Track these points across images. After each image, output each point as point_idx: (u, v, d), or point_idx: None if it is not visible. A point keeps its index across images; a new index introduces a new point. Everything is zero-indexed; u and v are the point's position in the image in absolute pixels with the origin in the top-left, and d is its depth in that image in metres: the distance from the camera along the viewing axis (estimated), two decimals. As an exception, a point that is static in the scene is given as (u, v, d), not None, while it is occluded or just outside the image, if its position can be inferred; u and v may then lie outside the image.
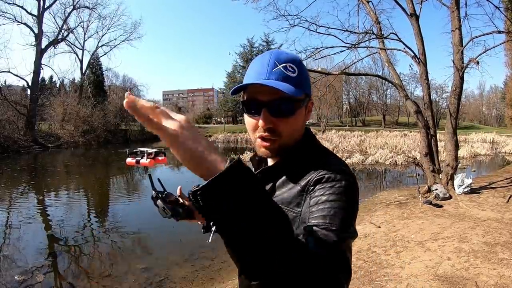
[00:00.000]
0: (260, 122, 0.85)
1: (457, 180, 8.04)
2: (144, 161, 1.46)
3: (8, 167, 16.38)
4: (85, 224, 7.37)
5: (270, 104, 0.84)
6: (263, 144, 0.88)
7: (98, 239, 6.40)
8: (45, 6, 31.53)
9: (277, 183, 0.91)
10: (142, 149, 1.56)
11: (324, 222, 0.72)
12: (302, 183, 0.84)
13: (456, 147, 8.36)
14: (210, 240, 0.73)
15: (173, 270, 4.80)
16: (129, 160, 1.60)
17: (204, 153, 0.58)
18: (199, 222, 1.26)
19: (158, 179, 1.22)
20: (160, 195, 1.16)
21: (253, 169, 1.03)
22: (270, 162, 0.99)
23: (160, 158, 1.53)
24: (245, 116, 0.92)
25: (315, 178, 0.81)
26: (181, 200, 1.22)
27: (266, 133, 0.86)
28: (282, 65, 0.84)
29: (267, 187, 0.92)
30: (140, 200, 9.84)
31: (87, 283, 4.53)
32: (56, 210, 8.61)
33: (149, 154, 1.53)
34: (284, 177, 0.90)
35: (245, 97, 0.90)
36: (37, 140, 27.19)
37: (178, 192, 1.24)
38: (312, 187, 0.81)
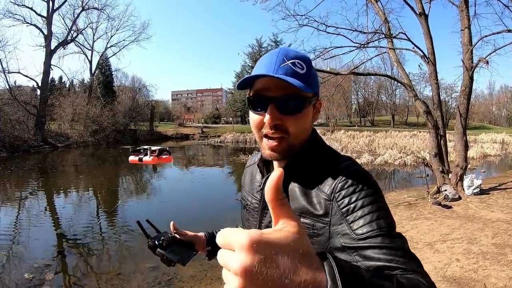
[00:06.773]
0: (266, 118, 0.79)
1: (466, 181, 7.96)
2: (147, 158, 1.45)
3: (18, 167, 16.59)
4: (94, 223, 7.44)
5: (277, 100, 0.79)
6: (270, 145, 0.83)
7: (107, 238, 6.46)
8: (54, 8, 32.02)
9: (289, 188, 0.86)
10: (145, 146, 1.53)
11: (373, 230, 0.71)
12: (325, 190, 0.79)
13: (466, 147, 8.26)
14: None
15: (181, 269, 4.75)
16: (132, 158, 1.58)
17: None
18: (200, 252, 1.25)
19: (147, 220, 1.16)
20: (157, 243, 1.06)
21: (259, 175, 1.00)
22: (277, 165, 0.94)
23: (164, 156, 1.51)
24: (250, 113, 0.86)
25: (339, 184, 0.78)
26: (177, 236, 1.14)
27: (272, 131, 0.81)
28: (290, 61, 0.80)
29: None
30: (149, 199, 9.91)
31: (96, 281, 4.57)
32: (65, 209, 8.70)
33: (152, 151, 1.49)
34: (296, 182, 0.85)
35: (251, 93, 0.85)
36: (47, 139, 27.62)
37: (172, 228, 1.17)
38: (337, 194, 0.77)
